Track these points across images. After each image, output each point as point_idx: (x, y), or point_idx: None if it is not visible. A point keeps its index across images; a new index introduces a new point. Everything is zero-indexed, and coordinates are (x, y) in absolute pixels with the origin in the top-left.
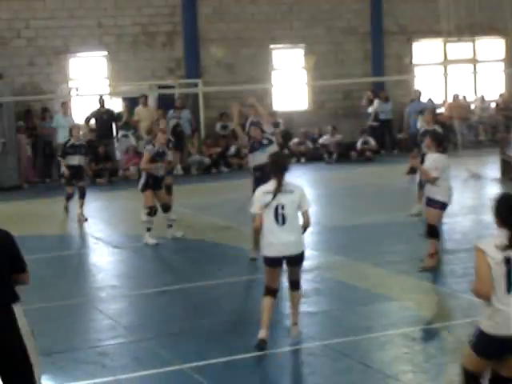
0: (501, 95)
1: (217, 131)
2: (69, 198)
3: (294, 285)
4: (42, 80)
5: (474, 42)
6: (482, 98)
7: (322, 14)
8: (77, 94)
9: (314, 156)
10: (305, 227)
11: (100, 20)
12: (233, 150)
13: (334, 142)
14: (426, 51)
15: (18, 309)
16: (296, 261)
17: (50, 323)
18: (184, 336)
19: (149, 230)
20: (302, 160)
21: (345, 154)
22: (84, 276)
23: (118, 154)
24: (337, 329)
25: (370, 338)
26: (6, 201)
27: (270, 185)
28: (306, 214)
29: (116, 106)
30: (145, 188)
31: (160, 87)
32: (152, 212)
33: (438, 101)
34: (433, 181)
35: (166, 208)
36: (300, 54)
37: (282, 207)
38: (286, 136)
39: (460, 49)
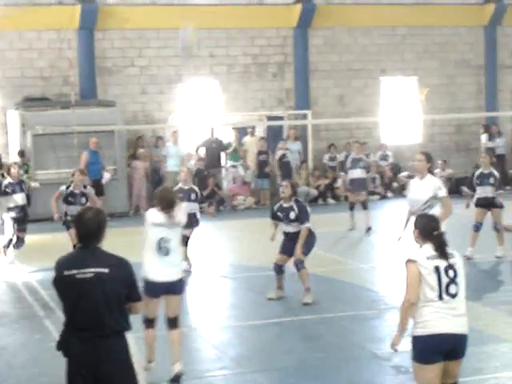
0: None
1: (325, 162)
2: None
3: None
4: (153, 108)
5: None
6: None
7: (435, 46)
8: (186, 123)
9: None
10: None
11: (212, 50)
12: (340, 182)
13: (444, 176)
14: None
15: (129, 337)
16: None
17: (156, 350)
18: (291, 370)
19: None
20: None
21: (456, 188)
22: (192, 305)
23: (226, 184)
24: None
25: (481, 380)
26: (116, 227)
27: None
28: None
29: (225, 135)
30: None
31: (269, 118)
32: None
33: None
34: None
35: None
36: (412, 86)
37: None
38: (395, 169)
39: None
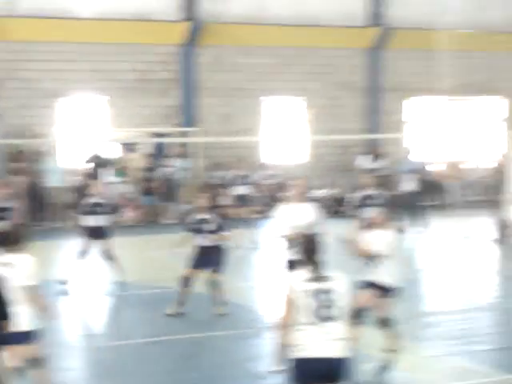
0: (503, 156)
1: (210, 180)
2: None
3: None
4: (35, 122)
5: (472, 100)
6: (479, 157)
7: (320, 68)
8: (69, 138)
9: None
10: None
11: (98, 65)
12: (226, 199)
13: (330, 195)
14: (423, 108)
15: None
16: None
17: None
18: None
19: None
20: None
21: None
22: (73, 324)
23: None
24: None
25: None
26: None
27: None
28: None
29: (111, 151)
30: None
31: (155, 135)
32: None
33: (431, 159)
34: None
35: None
36: (298, 106)
37: None
38: (281, 188)
39: (459, 107)
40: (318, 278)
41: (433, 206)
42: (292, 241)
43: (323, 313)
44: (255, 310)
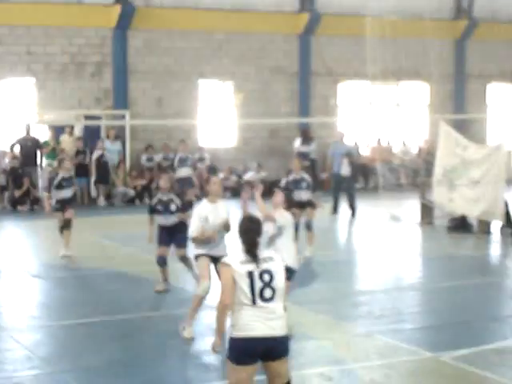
0: (425, 141)
1: (142, 163)
2: None
3: None
4: None
5: (398, 85)
6: (404, 141)
7: (252, 52)
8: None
9: (238, 191)
10: None
11: (29, 47)
12: (157, 183)
13: (258, 178)
14: (352, 93)
15: None
16: None
17: None
18: (101, 370)
19: None
20: (228, 195)
21: (269, 191)
22: (1, 305)
23: (41, 182)
24: None
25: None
26: None
27: None
28: None
29: (42, 134)
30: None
31: (87, 117)
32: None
33: (361, 143)
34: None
35: None
36: (228, 90)
37: None
38: (211, 171)
39: (385, 92)
40: (257, 260)
41: (361, 189)
42: (200, 240)
43: (265, 294)
44: (186, 291)
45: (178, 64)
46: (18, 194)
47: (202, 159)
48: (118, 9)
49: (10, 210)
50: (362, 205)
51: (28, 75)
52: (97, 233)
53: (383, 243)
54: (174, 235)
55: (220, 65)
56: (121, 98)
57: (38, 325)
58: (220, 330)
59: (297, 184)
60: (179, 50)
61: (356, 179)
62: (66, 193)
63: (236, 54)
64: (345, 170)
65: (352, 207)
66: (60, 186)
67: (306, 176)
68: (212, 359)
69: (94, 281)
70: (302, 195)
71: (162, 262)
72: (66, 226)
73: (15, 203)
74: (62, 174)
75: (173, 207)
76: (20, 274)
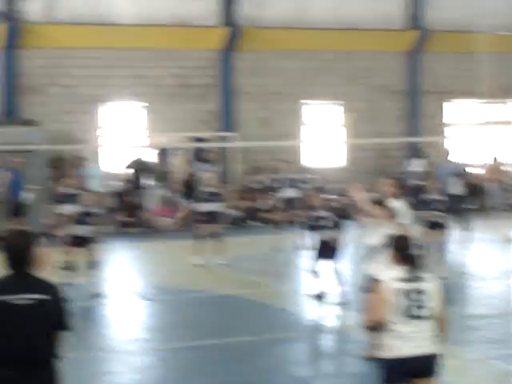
0: None
1: (250, 185)
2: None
3: None
4: (75, 128)
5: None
6: None
7: (359, 72)
8: (109, 144)
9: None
10: None
11: (137, 71)
12: (266, 204)
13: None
14: (461, 111)
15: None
16: None
17: (77, 374)
18: None
19: (66, 283)
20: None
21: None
22: (113, 328)
23: (150, 205)
24: None
25: None
26: None
27: None
28: None
29: (151, 156)
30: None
31: (194, 140)
32: (67, 267)
33: (471, 162)
34: None
35: (92, 265)
36: (336, 110)
37: None
38: (322, 191)
39: (496, 110)
40: (413, 278)
41: (474, 210)
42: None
43: (416, 312)
44: (297, 314)
45: (285, 84)
46: (127, 217)
47: (306, 180)
48: (225, 31)
49: (120, 232)
50: (476, 225)
51: (136, 99)
52: (207, 255)
53: (496, 266)
54: (332, 250)
55: (327, 84)
56: (227, 119)
57: (149, 348)
58: (373, 346)
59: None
60: (286, 70)
61: (468, 199)
62: (210, 206)
63: (343, 73)
64: (457, 189)
65: (464, 228)
66: (204, 200)
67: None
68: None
69: (201, 303)
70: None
71: (313, 271)
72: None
73: (125, 225)
74: (207, 189)
75: (327, 223)
76: (129, 296)
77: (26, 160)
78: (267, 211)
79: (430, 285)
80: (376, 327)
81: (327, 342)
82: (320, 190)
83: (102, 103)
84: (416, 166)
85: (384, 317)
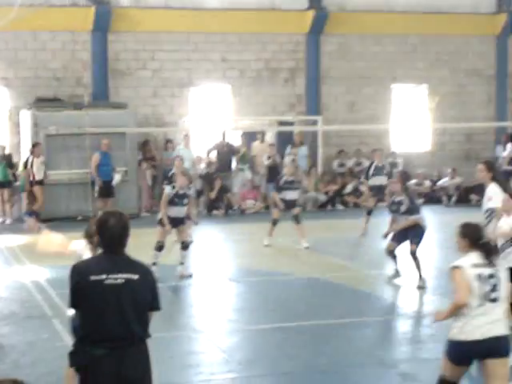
0: None
1: (334, 169)
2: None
3: None
4: (164, 111)
5: None
6: None
7: (446, 55)
8: (198, 127)
9: (432, 198)
10: None
11: (224, 54)
12: (349, 188)
13: (453, 184)
14: None
15: None
16: None
17: (163, 353)
18: (297, 375)
19: (154, 264)
20: (420, 201)
21: (464, 197)
22: (200, 308)
23: (235, 188)
24: None
25: None
26: None
27: None
28: None
29: (236, 139)
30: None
31: (280, 123)
32: (159, 247)
33: None
34: None
35: (184, 246)
36: (423, 94)
37: None
38: (404, 176)
39: None
40: (488, 263)
41: None
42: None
43: (492, 295)
44: (385, 299)
45: (371, 68)
46: (213, 197)
47: (394, 164)
48: (311, 14)
49: (206, 214)
50: None
51: (223, 82)
52: (288, 238)
53: None
54: (406, 233)
55: (414, 68)
56: (313, 103)
57: (235, 328)
58: (447, 316)
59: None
60: (372, 54)
61: None
62: (287, 195)
63: (430, 57)
64: None
65: None
66: (284, 188)
67: None
68: (409, 368)
69: (286, 285)
70: None
71: (390, 254)
72: (295, 219)
73: (211, 207)
74: (284, 178)
75: (403, 208)
76: (216, 277)
77: (116, 142)
78: (352, 195)
79: (501, 269)
80: (460, 307)
81: (413, 327)
82: (404, 174)
83: (189, 86)
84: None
85: (467, 299)
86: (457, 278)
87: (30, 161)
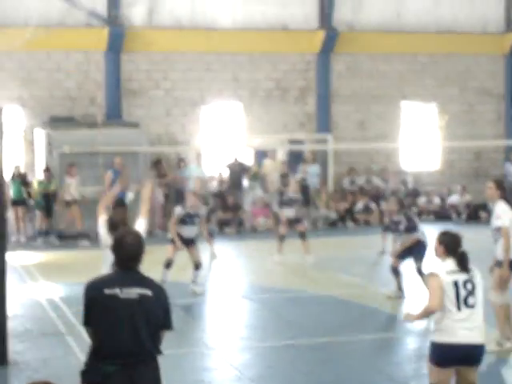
0: None
1: (344, 186)
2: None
3: None
4: (176, 130)
5: None
6: None
7: (456, 74)
8: (209, 145)
9: (442, 215)
10: None
11: (235, 73)
12: (360, 205)
13: (463, 202)
14: None
15: None
16: None
17: (176, 369)
18: None
19: (163, 281)
20: (430, 217)
21: (474, 214)
22: (212, 325)
23: (246, 205)
24: None
25: None
26: None
27: None
28: None
29: (247, 158)
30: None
31: (291, 141)
32: (167, 264)
33: None
34: None
35: (197, 266)
36: (432, 112)
37: None
38: (414, 194)
39: None
40: (464, 269)
41: None
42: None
43: (469, 301)
44: (394, 316)
45: (381, 87)
46: (224, 216)
47: (404, 183)
48: (321, 34)
49: (218, 232)
50: None
51: (234, 100)
52: (299, 255)
53: None
54: (410, 251)
55: (423, 87)
56: (324, 121)
57: (247, 345)
58: (417, 318)
59: None
60: (382, 72)
61: None
62: (290, 212)
63: (440, 75)
64: None
65: None
66: (285, 204)
67: None
68: None
69: (299, 303)
70: None
71: (394, 270)
72: (301, 236)
73: (222, 225)
74: (288, 194)
75: (401, 227)
76: (229, 294)
77: (129, 161)
78: (361, 212)
79: (477, 276)
80: (432, 313)
81: (423, 344)
82: (413, 193)
83: (201, 105)
84: None
85: (440, 305)
86: (432, 285)
87: (66, 181)
